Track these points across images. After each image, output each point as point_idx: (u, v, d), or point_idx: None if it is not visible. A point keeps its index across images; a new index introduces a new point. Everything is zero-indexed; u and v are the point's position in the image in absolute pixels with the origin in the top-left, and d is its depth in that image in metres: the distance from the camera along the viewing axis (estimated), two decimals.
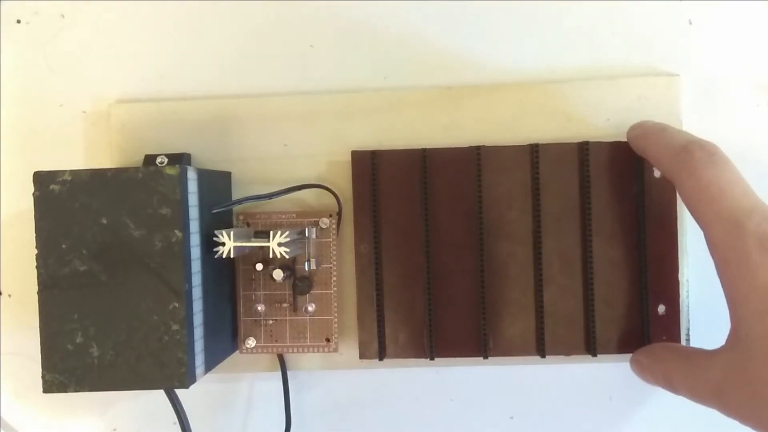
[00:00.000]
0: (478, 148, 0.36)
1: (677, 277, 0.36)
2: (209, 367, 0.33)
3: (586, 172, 0.36)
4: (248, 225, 0.37)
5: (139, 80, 0.39)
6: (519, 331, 0.36)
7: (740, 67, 0.37)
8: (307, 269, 0.37)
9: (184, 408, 0.33)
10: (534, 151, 0.36)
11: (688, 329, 0.36)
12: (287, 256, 0.33)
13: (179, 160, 0.37)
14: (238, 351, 0.37)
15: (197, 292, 0.32)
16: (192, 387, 0.31)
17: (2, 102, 0.39)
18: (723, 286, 0.30)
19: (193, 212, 0.32)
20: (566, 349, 0.36)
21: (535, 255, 0.36)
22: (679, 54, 0.37)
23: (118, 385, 0.31)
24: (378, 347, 0.37)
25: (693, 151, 0.30)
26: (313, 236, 0.37)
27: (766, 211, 0.28)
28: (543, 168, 0.36)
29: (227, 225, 0.37)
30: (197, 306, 0.32)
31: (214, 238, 0.33)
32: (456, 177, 0.36)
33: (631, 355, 0.36)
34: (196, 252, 0.32)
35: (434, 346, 0.36)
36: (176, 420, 0.33)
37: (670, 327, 0.36)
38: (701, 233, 0.37)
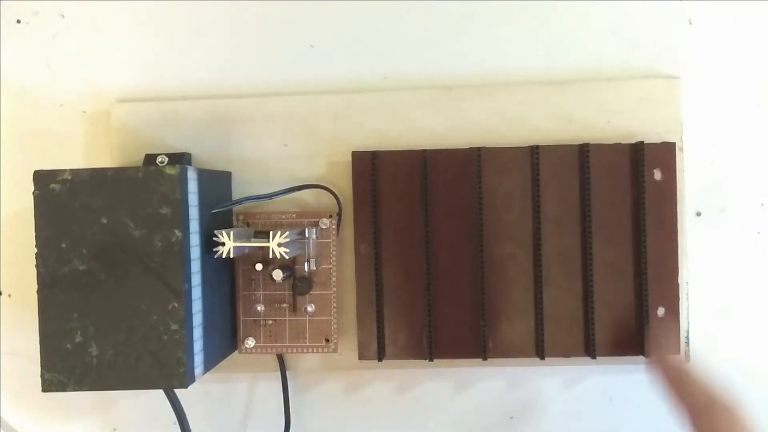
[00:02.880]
0: (478, 149, 0.36)
1: (677, 280, 0.36)
2: (208, 367, 0.33)
3: (587, 174, 0.36)
4: (248, 225, 0.37)
5: (139, 80, 0.39)
6: (518, 332, 0.36)
7: (740, 67, 0.37)
8: (306, 270, 0.37)
9: (184, 408, 0.33)
10: (534, 152, 0.36)
11: (688, 332, 0.36)
12: (287, 257, 0.33)
13: (179, 159, 0.37)
14: (237, 351, 0.37)
15: (197, 292, 0.32)
16: (191, 387, 0.31)
17: (2, 102, 0.39)
18: None
19: (193, 212, 0.32)
20: (565, 351, 0.36)
21: (534, 256, 0.36)
22: (679, 54, 0.38)
23: (117, 384, 0.31)
24: (377, 348, 0.36)
25: (717, 412, 0.30)
26: (313, 236, 0.37)
27: None
28: (543, 170, 0.36)
29: (227, 225, 0.37)
30: (197, 306, 0.32)
31: (214, 238, 0.33)
32: (456, 178, 0.36)
33: (629, 358, 0.36)
34: (195, 252, 0.32)
35: (433, 347, 0.36)
36: (176, 420, 0.33)
37: (670, 329, 0.36)
38: (702, 235, 0.37)
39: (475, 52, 0.38)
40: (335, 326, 0.37)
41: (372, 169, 0.36)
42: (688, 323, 0.36)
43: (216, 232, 0.33)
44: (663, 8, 0.37)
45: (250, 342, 0.37)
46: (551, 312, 0.36)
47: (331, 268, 0.37)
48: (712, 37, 0.37)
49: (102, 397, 0.39)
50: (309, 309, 0.37)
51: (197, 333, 0.32)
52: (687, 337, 0.36)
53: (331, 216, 0.37)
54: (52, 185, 0.31)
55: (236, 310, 0.37)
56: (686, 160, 0.36)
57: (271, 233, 0.33)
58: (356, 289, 0.37)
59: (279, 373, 0.38)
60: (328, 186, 0.37)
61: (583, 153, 0.36)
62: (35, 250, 0.31)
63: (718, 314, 0.34)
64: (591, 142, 0.36)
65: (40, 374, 0.31)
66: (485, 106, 0.37)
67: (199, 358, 0.32)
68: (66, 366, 0.31)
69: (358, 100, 0.38)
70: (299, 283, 0.37)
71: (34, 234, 0.31)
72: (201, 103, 0.38)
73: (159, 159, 0.36)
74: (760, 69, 0.37)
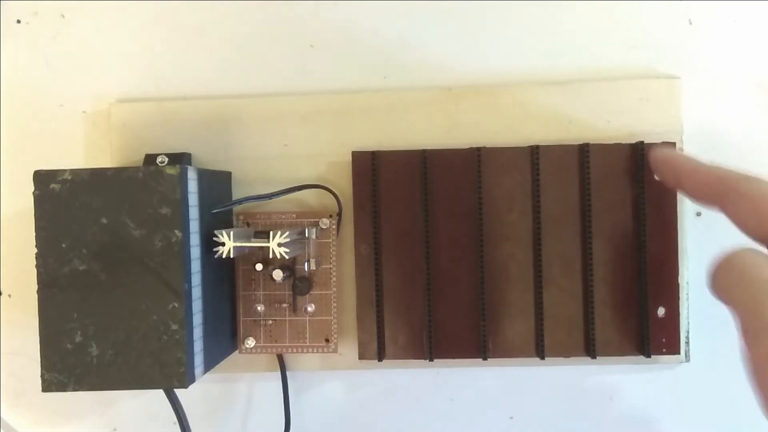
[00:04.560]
0: (478, 149, 0.36)
1: (677, 280, 0.36)
2: (208, 367, 0.33)
3: (587, 174, 0.36)
4: (248, 225, 0.37)
5: (139, 80, 0.39)
6: (518, 332, 0.36)
7: (740, 67, 0.37)
8: (306, 270, 0.37)
9: (184, 408, 0.33)
10: (534, 152, 0.36)
11: (688, 332, 0.36)
12: (287, 257, 0.33)
13: (180, 159, 0.37)
14: (237, 351, 0.37)
15: (197, 292, 0.32)
16: (191, 387, 0.31)
17: (2, 102, 0.39)
18: None
19: (193, 212, 0.32)
20: (565, 351, 0.36)
21: (534, 256, 0.36)
22: (679, 54, 0.38)
23: (117, 384, 0.31)
24: (377, 348, 0.37)
25: (737, 178, 0.28)
26: (313, 236, 0.37)
27: None
28: (543, 170, 0.36)
29: (227, 225, 0.37)
30: (197, 306, 0.32)
31: (214, 238, 0.33)
32: (456, 178, 0.36)
33: (629, 358, 0.36)
34: (195, 252, 0.32)
35: (433, 347, 0.36)
36: (176, 420, 0.33)
37: (670, 330, 0.36)
38: (701, 235, 0.37)
39: (475, 52, 0.38)
40: (335, 326, 0.37)
41: (372, 169, 0.36)
42: (688, 323, 0.37)
43: (216, 232, 0.33)
44: (663, 8, 0.37)
45: (250, 342, 0.37)
46: (551, 312, 0.36)
47: (331, 268, 0.37)
48: (712, 37, 0.37)
49: (102, 397, 0.39)
50: (309, 309, 0.37)
51: (197, 333, 0.32)
52: (687, 337, 0.36)
53: (331, 216, 0.37)
54: (52, 185, 0.31)
55: (236, 310, 0.37)
56: None
57: (271, 233, 0.33)
58: (356, 289, 0.37)
59: (279, 373, 0.38)
60: (328, 186, 0.37)
61: (583, 153, 0.36)
62: (35, 250, 0.31)
63: (718, 314, 0.34)
64: (591, 142, 0.36)
65: (40, 374, 0.31)
66: (485, 106, 0.37)
67: (199, 358, 0.32)
68: (66, 366, 0.31)
69: (358, 100, 0.38)
70: (299, 283, 0.37)
71: (34, 234, 0.31)
72: (201, 103, 0.38)
73: (159, 159, 0.36)
74: (760, 69, 0.37)
